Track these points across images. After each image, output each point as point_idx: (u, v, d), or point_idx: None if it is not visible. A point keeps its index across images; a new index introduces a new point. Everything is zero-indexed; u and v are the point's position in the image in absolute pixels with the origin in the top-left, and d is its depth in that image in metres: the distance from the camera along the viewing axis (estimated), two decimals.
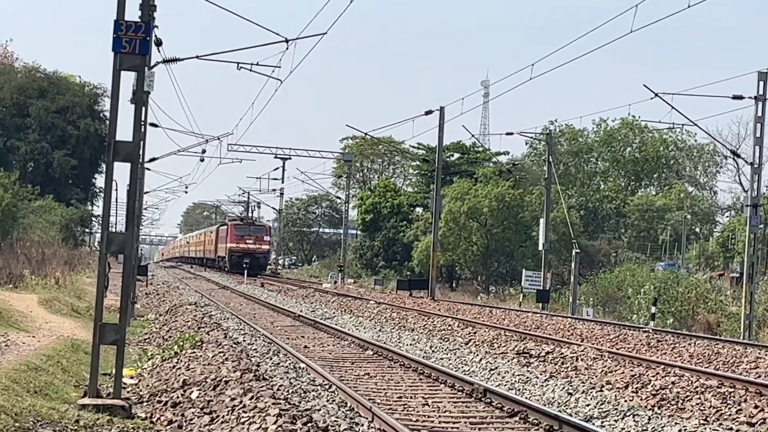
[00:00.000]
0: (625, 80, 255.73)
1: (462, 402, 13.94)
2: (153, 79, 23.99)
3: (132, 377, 14.63)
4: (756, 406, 13.35)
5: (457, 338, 23.58)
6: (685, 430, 12.02)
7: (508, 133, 62.82)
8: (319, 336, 24.22)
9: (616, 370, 16.91)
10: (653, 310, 35.12)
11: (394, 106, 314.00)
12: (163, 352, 17.42)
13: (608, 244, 68.17)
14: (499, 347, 21.17)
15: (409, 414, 12.82)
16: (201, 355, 16.15)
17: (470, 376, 16.18)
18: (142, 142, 23.92)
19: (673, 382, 15.31)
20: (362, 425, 11.60)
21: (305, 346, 21.28)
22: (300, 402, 12.41)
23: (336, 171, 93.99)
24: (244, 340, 20.67)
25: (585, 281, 51.87)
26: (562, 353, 19.29)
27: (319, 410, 12.05)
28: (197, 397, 12.05)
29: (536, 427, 12.07)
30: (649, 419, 12.69)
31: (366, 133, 62.09)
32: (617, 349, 21.30)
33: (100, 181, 77.63)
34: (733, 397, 14.30)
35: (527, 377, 16.52)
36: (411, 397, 14.22)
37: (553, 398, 14.59)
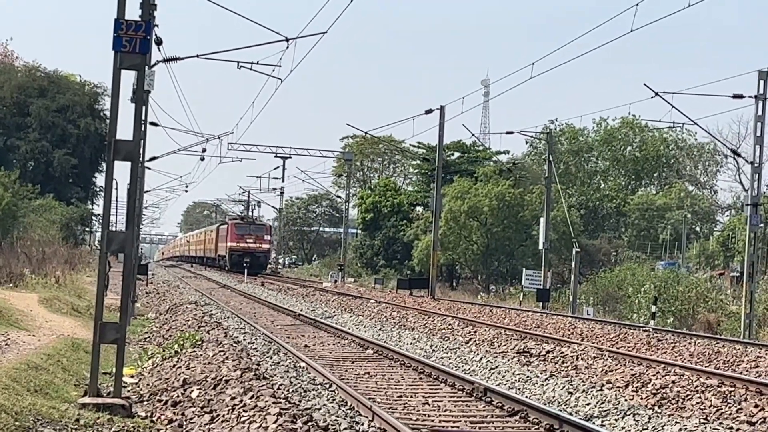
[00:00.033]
0: (626, 79, 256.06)
1: (462, 401, 13.93)
2: (153, 78, 23.98)
3: (132, 376, 14.63)
4: (756, 405, 13.35)
5: (457, 337, 23.58)
6: (686, 429, 12.02)
7: (508, 132, 62.67)
8: (319, 335, 24.22)
9: (616, 369, 16.91)
10: (653, 309, 35.11)
11: (394, 106, 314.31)
12: (164, 351, 17.42)
13: (608, 243, 68.17)
14: (499, 346, 21.17)
15: (409, 413, 12.82)
16: (201, 354, 16.15)
17: (470, 375, 16.18)
18: (142, 141, 23.91)
19: (673, 381, 15.31)
20: (362, 424, 11.60)
21: (305, 345, 21.27)
22: (300, 401, 12.41)
23: (336, 170, 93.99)
24: (244, 339, 20.67)
25: (585, 280, 51.85)
26: (563, 352, 19.28)
27: (320, 409, 12.05)
28: (197, 396, 12.05)
29: (536, 426, 12.07)
30: (650, 418, 12.69)
31: (366, 132, 62.18)
32: (617, 348, 21.30)
33: (100, 180, 77.65)
34: (734, 396, 14.30)
35: (527, 376, 16.52)
36: (411, 396, 14.21)
37: (553, 397, 14.59)
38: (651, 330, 27.56)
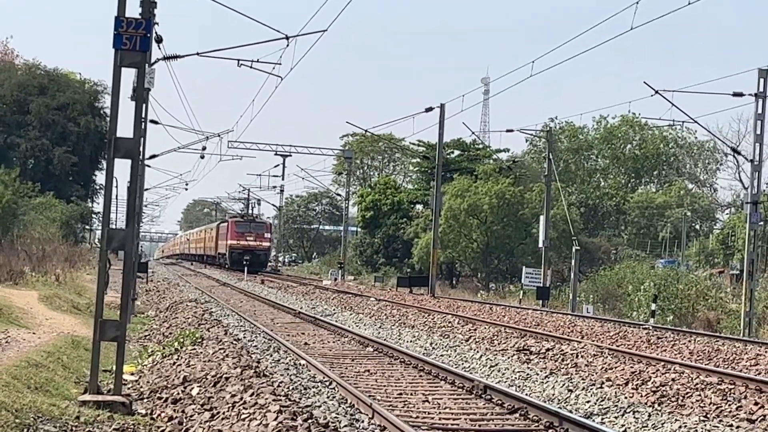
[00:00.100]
0: (626, 77, 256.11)
1: (462, 399, 13.94)
2: (153, 76, 24.00)
3: (132, 374, 14.64)
4: (756, 403, 13.36)
5: (457, 335, 23.59)
6: (685, 426, 12.03)
7: (508, 130, 62.51)
8: (319, 333, 24.22)
9: (616, 367, 16.92)
10: (653, 307, 35.14)
11: (394, 104, 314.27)
12: (164, 348, 17.43)
13: (608, 241, 68.16)
14: (499, 344, 21.18)
15: (409, 410, 12.83)
16: (201, 352, 16.16)
17: (470, 373, 16.20)
18: (142, 139, 23.92)
19: (673, 379, 15.32)
20: (362, 422, 11.61)
21: (305, 343, 21.28)
22: (300, 399, 12.42)
23: (336, 168, 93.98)
24: (244, 337, 20.68)
25: (585, 278, 51.87)
26: (563, 350, 19.30)
27: (320, 407, 12.06)
28: (198, 393, 12.06)
29: (536, 424, 12.07)
30: (650, 416, 12.70)
31: (366, 130, 62.19)
32: (617, 346, 21.31)
33: (100, 178, 77.67)
34: (733, 393, 14.31)
35: (527, 374, 16.53)
36: (411, 394, 14.23)
37: (553, 395, 14.60)
38: (651, 328, 27.57)
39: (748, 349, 21.68)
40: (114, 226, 16.44)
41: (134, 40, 11.49)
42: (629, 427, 12.21)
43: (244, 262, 65.72)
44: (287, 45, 25.66)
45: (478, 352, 19.81)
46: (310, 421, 10.10)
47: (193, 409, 11.14)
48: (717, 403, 13.58)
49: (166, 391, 12.55)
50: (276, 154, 72.98)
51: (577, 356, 18.46)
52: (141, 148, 22.98)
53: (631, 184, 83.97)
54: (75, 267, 42.85)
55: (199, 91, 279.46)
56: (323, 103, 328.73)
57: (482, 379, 14.93)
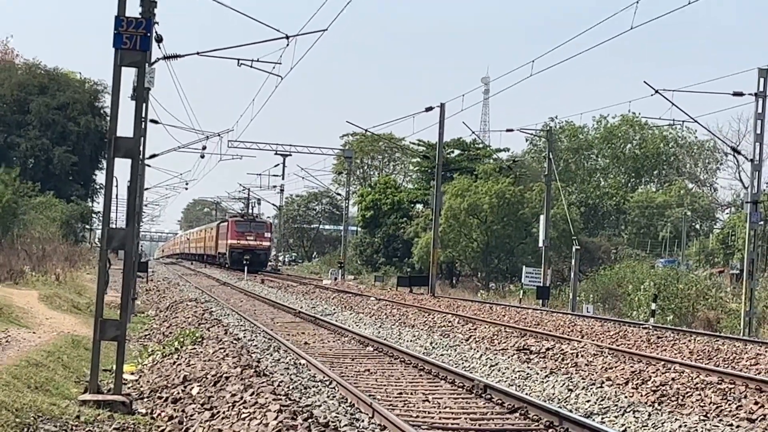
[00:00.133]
0: (626, 77, 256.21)
1: (462, 398, 13.95)
2: (153, 76, 24.00)
3: (132, 373, 14.63)
4: (756, 402, 13.36)
5: (457, 335, 23.59)
6: (686, 425, 12.03)
7: (508, 130, 62.45)
8: (319, 332, 24.23)
9: (616, 367, 16.92)
10: (653, 306, 35.14)
11: (394, 104, 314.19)
12: (164, 348, 17.43)
13: (608, 240, 68.18)
14: (499, 343, 21.18)
15: (409, 410, 12.83)
16: (201, 351, 16.16)
17: (470, 373, 16.20)
18: (142, 138, 23.93)
19: (673, 379, 15.32)
20: (363, 421, 11.62)
21: (306, 343, 21.29)
22: (300, 398, 12.42)
23: (336, 167, 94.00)
24: (244, 336, 20.68)
25: (585, 278, 51.88)
26: (563, 350, 19.29)
27: (320, 406, 12.07)
28: (198, 393, 12.06)
29: (536, 423, 12.08)
30: (650, 415, 12.70)
31: (366, 130, 62.20)
32: (617, 346, 21.31)
33: (100, 177, 77.65)
34: (733, 393, 14.31)
35: (527, 373, 16.53)
36: (411, 394, 14.23)
37: (553, 394, 14.60)
38: (651, 327, 27.57)
39: (748, 348, 21.68)
40: (114, 226, 16.44)
41: (134, 40, 11.49)
42: (629, 427, 12.22)
43: (245, 262, 65.69)
44: (287, 44, 25.68)
45: (478, 351, 19.82)
46: (310, 420, 10.10)
47: (194, 409, 11.14)
48: (717, 402, 13.58)
49: (167, 391, 12.56)
50: (276, 154, 73.00)
51: (577, 356, 18.46)
52: (141, 148, 22.99)
53: (631, 183, 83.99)
54: (75, 266, 42.87)
55: (199, 91, 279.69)
56: (323, 102, 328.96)
57: (482, 379, 14.93)
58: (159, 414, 11.14)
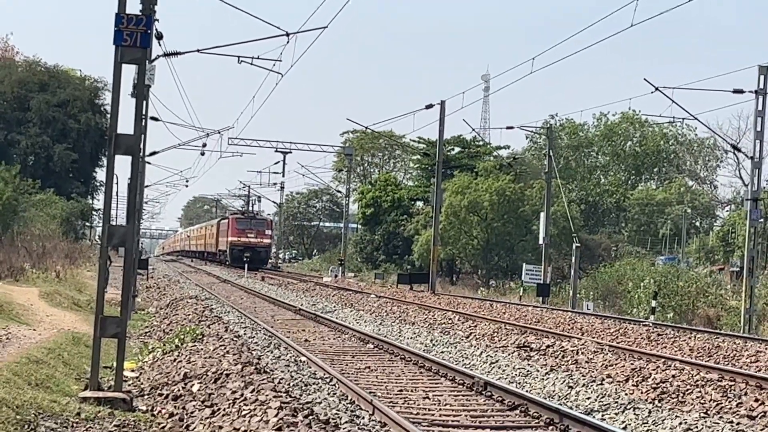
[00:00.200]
0: (626, 74, 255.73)
1: (463, 395, 13.95)
2: (154, 73, 23.97)
3: (133, 370, 14.64)
4: (756, 400, 13.36)
5: (457, 332, 23.60)
6: (686, 423, 12.03)
7: (508, 127, 62.29)
8: (319, 329, 24.23)
9: (616, 364, 16.93)
10: (653, 304, 35.16)
11: (394, 101, 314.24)
12: (164, 345, 17.44)
13: (608, 238, 68.22)
14: (499, 341, 21.18)
15: (409, 407, 12.84)
16: (202, 349, 16.17)
17: (471, 370, 16.20)
18: (143, 135, 23.91)
19: (673, 376, 15.32)
20: (363, 418, 11.62)
21: (306, 340, 21.29)
22: (301, 395, 12.43)
23: (336, 165, 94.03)
24: (244, 334, 20.69)
25: (585, 275, 51.90)
26: (563, 347, 19.29)
27: (320, 403, 12.07)
28: (198, 390, 12.07)
29: (537, 420, 12.08)
30: (650, 412, 12.70)
31: (367, 127, 62.17)
32: (617, 343, 21.32)
33: (100, 174, 77.66)
34: (734, 390, 14.31)
35: (528, 371, 16.53)
36: (412, 391, 14.23)
37: (553, 391, 14.61)
38: (651, 325, 27.58)
39: (748, 345, 21.68)
40: (114, 223, 16.44)
41: (135, 37, 11.49)
42: (630, 424, 12.22)
43: (245, 259, 65.68)
44: (287, 42, 25.68)
45: (478, 348, 19.82)
46: (310, 417, 10.11)
47: (194, 406, 11.15)
48: (717, 399, 13.58)
49: (167, 388, 12.56)
50: (276, 151, 73.11)
51: (577, 353, 18.47)
52: (141, 145, 22.97)
53: (632, 181, 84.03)
54: (75, 264, 42.88)
55: (199, 88, 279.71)
56: (323, 100, 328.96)
57: (482, 376, 14.93)
58: (159, 411, 11.15)
